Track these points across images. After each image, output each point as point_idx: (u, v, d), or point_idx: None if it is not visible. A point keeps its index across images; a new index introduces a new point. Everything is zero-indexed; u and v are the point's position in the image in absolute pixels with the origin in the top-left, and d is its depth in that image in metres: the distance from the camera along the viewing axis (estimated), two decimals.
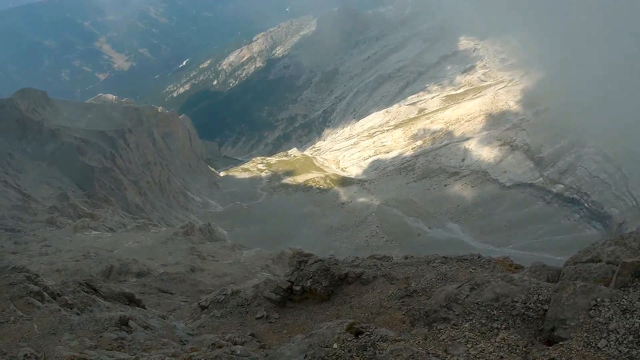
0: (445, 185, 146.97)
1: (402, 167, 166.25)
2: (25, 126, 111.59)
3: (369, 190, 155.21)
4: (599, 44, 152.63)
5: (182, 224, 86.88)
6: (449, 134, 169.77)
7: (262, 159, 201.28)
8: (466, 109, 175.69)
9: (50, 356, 12.67)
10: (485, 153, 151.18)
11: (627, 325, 9.26)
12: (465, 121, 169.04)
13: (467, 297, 12.42)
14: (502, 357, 9.94)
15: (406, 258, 24.08)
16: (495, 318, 11.40)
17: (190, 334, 20.13)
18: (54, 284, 21.35)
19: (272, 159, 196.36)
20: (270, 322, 20.42)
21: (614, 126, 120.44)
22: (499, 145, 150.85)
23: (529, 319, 11.16)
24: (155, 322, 20.54)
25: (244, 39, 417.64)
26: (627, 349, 8.91)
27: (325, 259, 21.93)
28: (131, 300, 24.41)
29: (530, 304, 11.41)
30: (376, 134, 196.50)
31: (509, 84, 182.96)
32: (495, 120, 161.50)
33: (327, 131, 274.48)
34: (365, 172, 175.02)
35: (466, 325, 11.41)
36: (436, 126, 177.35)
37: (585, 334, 9.56)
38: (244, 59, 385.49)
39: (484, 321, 11.42)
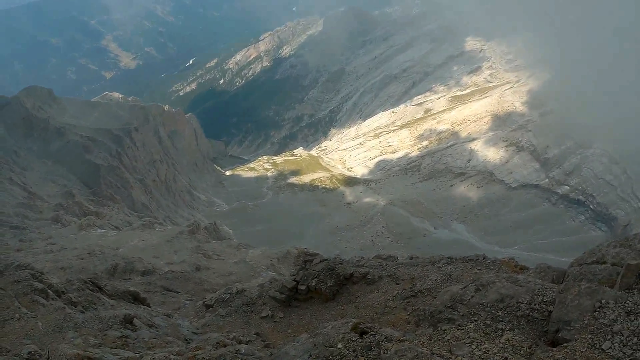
0: (451, 185, 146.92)
1: (408, 168, 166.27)
2: (31, 124, 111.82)
3: (374, 190, 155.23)
4: (605, 46, 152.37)
5: (187, 222, 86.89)
6: (455, 134, 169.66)
7: (268, 158, 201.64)
8: (472, 109, 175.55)
9: (54, 354, 12.64)
10: (491, 154, 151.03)
11: (632, 327, 9.25)
12: (472, 122, 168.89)
13: (472, 297, 12.42)
14: (506, 358, 9.92)
15: (411, 258, 24.09)
16: (500, 319, 11.40)
17: (194, 333, 20.13)
18: (58, 282, 21.39)
19: (278, 159, 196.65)
20: (275, 322, 20.40)
21: (619, 128, 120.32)
22: (505, 146, 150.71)
23: (533, 320, 11.15)
24: (160, 321, 20.55)
25: (250, 38, 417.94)
26: (632, 351, 8.91)
27: (331, 258, 21.92)
28: (136, 299, 24.44)
29: (535, 305, 11.40)
30: (382, 134, 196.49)
31: (515, 85, 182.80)
32: (502, 121, 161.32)
33: (333, 131, 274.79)
34: (371, 172, 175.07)
35: (471, 326, 11.40)
36: (442, 127, 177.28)
37: (589, 336, 9.55)
38: (251, 58, 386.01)
39: (488, 322, 11.41)
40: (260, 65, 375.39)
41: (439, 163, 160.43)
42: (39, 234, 61.05)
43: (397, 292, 18.51)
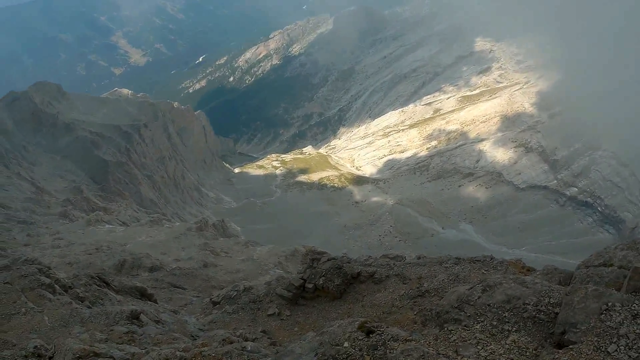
0: (460, 186, 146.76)
1: (417, 167, 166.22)
2: (40, 119, 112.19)
3: (383, 189, 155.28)
4: (615, 47, 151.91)
5: (195, 219, 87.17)
6: (464, 134, 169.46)
7: (277, 156, 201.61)
8: (481, 110, 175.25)
9: (60, 349, 12.68)
10: (499, 154, 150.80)
11: (638, 331, 9.23)
12: (481, 122, 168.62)
13: (479, 298, 12.41)
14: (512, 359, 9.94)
15: (419, 258, 24.05)
16: (507, 320, 11.39)
17: (201, 329, 20.18)
18: (65, 277, 21.44)
19: (287, 157, 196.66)
20: (281, 319, 20.42)
21: (628, 130, 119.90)
22: (514, 147, 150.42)
23: (539, 322, 11.15)
24: (167, 317, 20.62)
25: (260, 36, 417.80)
26: (637, 354, 8.88)
27: (338, 257, 21.92)
28: (143, 295, 24.49)
29: (542, 306, 11.39)
30: (391, 133, 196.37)
31: (524, 86, 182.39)
32: (511, 122, 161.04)
33: (342, 130, 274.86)
34: (379, 171, 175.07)
35: (477, 327, 11.40)
36: (451, 127, 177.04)
37: (595, 338, 9.53)
38: (261, 56, 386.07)
39: (495, 323, 11.41)
40: (270, 63, 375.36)
41: (448, 163, 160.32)
42: (46, 229, 61.21)
43: (404, 292, 18.49)
